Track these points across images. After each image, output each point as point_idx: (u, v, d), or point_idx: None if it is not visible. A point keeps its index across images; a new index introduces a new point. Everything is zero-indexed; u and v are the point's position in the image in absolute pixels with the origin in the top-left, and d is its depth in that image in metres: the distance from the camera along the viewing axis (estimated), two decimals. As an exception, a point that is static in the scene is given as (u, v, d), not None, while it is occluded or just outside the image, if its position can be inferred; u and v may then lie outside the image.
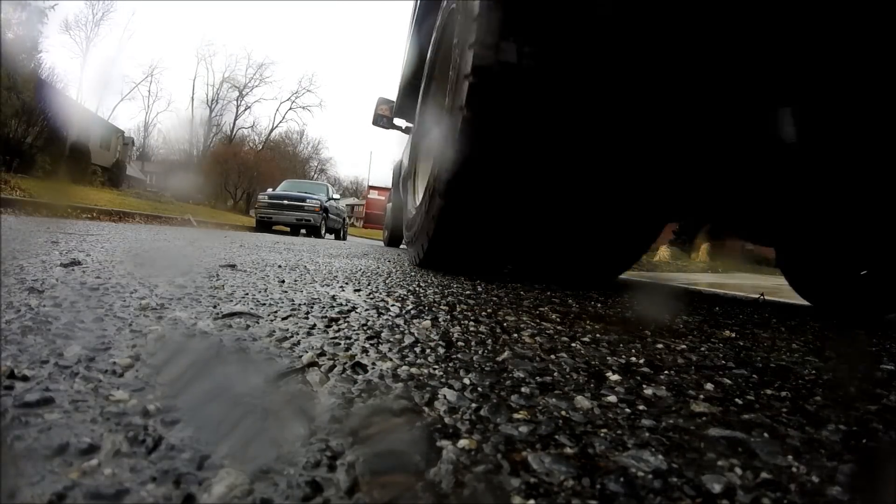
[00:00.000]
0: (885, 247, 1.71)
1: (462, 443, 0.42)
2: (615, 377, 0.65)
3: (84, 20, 30.94)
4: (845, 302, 1.87)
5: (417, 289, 1.40)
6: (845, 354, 1.12)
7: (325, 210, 11.25)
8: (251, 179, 30.12)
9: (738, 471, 0.40)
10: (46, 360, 0.51)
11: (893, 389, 0.72)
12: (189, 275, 1.19)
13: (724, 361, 0.82)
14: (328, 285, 1.28)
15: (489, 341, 0.80)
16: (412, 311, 1.00)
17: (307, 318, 0.83)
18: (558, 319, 1.08)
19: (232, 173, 30.43)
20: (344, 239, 12.22)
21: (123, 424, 0.39)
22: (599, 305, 1.44)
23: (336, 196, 13.21)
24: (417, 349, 0.71)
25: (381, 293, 1.23)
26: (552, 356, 0.74)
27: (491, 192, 1.71)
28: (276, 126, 39.33)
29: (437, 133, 1.99)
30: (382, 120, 5.20)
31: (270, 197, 11.17)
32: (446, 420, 0.46)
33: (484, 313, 1.07)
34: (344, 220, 13.93)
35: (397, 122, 5.22)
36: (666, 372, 0.71)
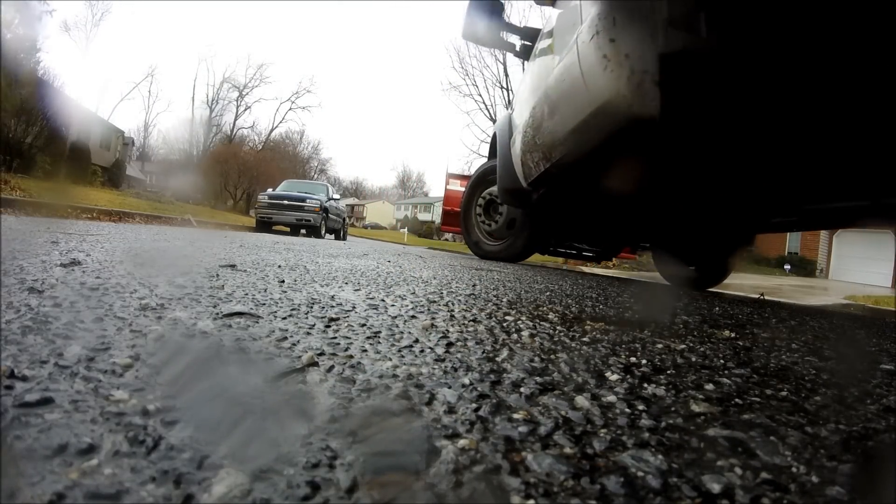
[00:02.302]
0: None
1: (461, 443, 0.42)
2: (615, 377, 0.65)
3: (84, 21, 30.98)
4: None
5: (416, 289, 1.40)
6: (844, 355, 1.12)
7: (325, 210, 11.27)
8: (251, 179, 30.08)
9: (738, 471, 0.40)
10: (46, 360, 0.51)
11: (893, 390, 0.72)
12: (189, 275, 1.19)
13: (723, 361, 0.82)
14: (328, 285, 1.28)
15: (488, 341, 0.80)
16: (411, 311, 1.00)
17: (307, 318, 0.83)
18: (558, 319, 1.08)
19: (232, 173, 30.38)
20: (344, 239, 12.23)
21: (123, 424, 0.39)
22: (599, 305, 1.44)
23: (336, 196, 13.24)
24: (416, 349, 0.71)
25: (380, 293, 1.23)
26: (552, 356, 0.74)
27: None
28: (276, 126, 39.41)
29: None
30: (482, 31, 2.89)
31: (270, 197, 11.17)
32: (445, 420, 0.46)
33: (483, 313, 1.07)
34: (344, 220, 13.96)
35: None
36: (665, 372, 0.71)
